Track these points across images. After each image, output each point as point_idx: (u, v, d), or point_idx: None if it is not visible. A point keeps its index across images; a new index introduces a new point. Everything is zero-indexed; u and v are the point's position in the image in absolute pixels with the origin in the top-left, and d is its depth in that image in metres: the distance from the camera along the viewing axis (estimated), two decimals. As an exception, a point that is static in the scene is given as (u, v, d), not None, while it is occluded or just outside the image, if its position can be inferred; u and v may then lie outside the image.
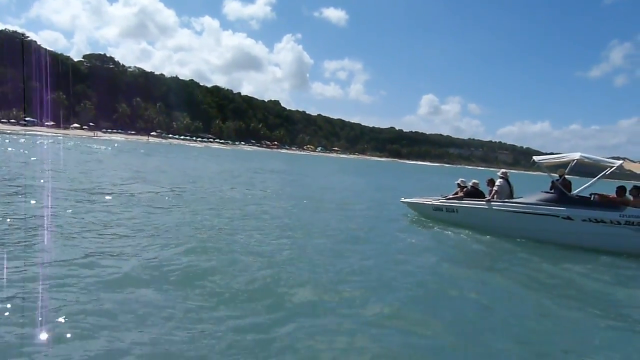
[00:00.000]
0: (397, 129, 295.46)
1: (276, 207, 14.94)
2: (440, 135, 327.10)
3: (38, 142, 50.42)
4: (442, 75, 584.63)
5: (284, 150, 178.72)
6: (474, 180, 14.03)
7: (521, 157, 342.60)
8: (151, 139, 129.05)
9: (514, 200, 12.72)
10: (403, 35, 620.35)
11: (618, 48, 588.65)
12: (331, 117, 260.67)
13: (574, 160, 12.28)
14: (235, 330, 5.17)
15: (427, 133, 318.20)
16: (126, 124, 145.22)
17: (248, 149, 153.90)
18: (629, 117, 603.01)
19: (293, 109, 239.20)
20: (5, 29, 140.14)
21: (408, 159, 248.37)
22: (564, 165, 12.69)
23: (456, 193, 14.17)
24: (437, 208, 13.91)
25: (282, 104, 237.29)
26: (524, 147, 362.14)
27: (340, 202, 18.03)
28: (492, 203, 12.69)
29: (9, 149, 34.15)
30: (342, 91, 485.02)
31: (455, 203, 13.52)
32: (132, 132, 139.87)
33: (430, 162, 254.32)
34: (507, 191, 13.09)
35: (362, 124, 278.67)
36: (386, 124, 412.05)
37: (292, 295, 6.37)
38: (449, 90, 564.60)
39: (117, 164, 28.73)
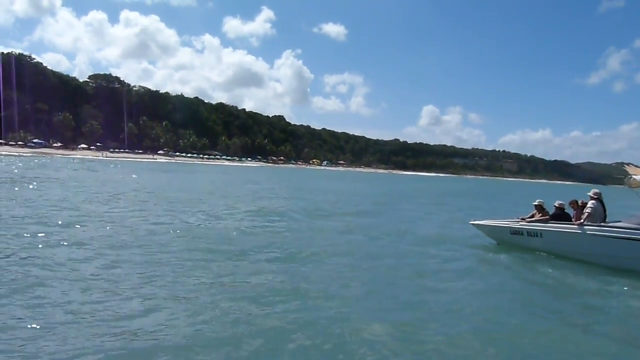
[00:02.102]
0: (401, 140, 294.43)
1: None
2: (444, 145, 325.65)
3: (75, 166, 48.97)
4: (442, 85, 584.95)
5: (290, 165, 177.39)
6: (558, 202, 12.23)
7: (525, 165, 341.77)
8: (158, 158, 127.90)
9: (612, 224, 11.06)
10: (402, 47, 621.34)
11: (615, 55, 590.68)
12: (335, 130, 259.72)
13: None
14: None
15: (431, 144, 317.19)
16: (133, 143, 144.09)
17: (254, 165, 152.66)
18: (630, 122, 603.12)
19: (297, 124, 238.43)
20: (11, 52, 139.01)
21: (414, 170, 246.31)
22: None
23: (532, 215, 12.55)
24: (516, 231, 12.28)
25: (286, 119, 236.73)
26: (528, 155, 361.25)
27: (399, 230, 16.44)
28: (586, 227, 10.99)
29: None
30: (342, 105, 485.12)
31: (540, 226, 11.83)
32: (139, 151, 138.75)
33: (436, 172, 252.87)
34: (600, 214, 11.42)
35: (367, 137, 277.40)
36: (388, 136, 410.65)
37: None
38: (449, 100, 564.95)
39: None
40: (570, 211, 12.28)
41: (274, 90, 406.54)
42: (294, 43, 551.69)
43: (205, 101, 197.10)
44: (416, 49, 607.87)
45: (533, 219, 12.36)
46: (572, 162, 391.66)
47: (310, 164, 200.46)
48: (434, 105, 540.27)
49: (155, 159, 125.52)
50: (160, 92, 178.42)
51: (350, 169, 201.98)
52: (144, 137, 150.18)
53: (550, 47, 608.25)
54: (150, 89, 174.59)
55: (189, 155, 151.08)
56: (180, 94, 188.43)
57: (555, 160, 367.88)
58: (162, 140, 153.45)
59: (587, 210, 11.39)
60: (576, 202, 12.20)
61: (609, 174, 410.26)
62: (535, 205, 12.70)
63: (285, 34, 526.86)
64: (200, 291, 7.08)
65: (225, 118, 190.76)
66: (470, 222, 13.96)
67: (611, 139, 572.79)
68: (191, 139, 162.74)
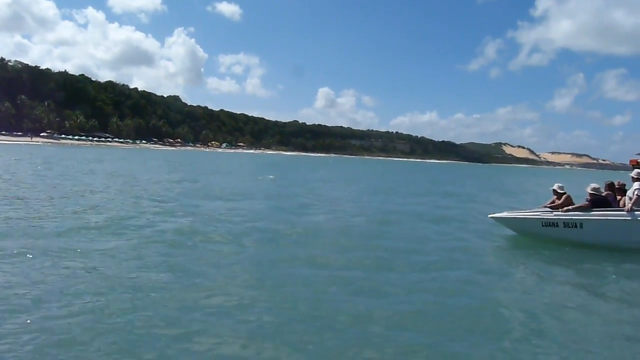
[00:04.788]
0: (300, 122, 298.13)
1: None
2: (341, 127, 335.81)
3: None
4: (336, 68, 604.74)
5: (188, 148, 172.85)
6: (593, 185, 10.90)
7: (416, 145, 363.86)
8: (40, 141, 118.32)
9: None
10: (298, 29, 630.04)
11: (491, 44, 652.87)
12: (234, 112, 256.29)
13: None
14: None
15: (329, 125, 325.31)
16: (10, 124, 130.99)
17: (152, 147, 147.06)
18: (505, 105, 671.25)
19: (194, 105, 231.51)
20: None
21: (313, 151, 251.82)
22: None
23: (553, 202, 11.38)
24: (549, 222, 10.92)
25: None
26: (419, 136, 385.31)
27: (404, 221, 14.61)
28: (637, 213, 10.14)
29: None
30: (238, 86, 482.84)
31: (580, 215, 10.59)
32: (19, 133, 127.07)
33: (335, 153, 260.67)
34: None
35: (266, 118, 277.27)
36: (285, 117, 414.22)
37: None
38: (344, 83, 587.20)
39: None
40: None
41: (165, 70, 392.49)
42: (186, 21, 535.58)
43: (93, 79, 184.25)
44: (312, 31, 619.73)
45: (555, 205, 11.20)
46: (457, 142, 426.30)
47: (209, 146, 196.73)
48: (329, 87, 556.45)
49: (38, 142, 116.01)
50: (40, 68, 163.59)
51: (251, 151, 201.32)
52: (24, 117, 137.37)
53: (435, 34, 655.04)
54: (28, 65, 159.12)
55: (76, 137, 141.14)
56: (65, 70, 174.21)
57: (443, 141, 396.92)
58: (45, 122, 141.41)
59: (636, 193, 10.32)
60: (613, 184, 11.34)
61: (490, 153, 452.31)
62: (553, 189, 11.59)
63: (177, 10, 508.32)
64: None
65: (115, 98, 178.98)
66: (490, 216, 12.23)
67: (489, 121, 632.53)
68: (78, 120, 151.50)
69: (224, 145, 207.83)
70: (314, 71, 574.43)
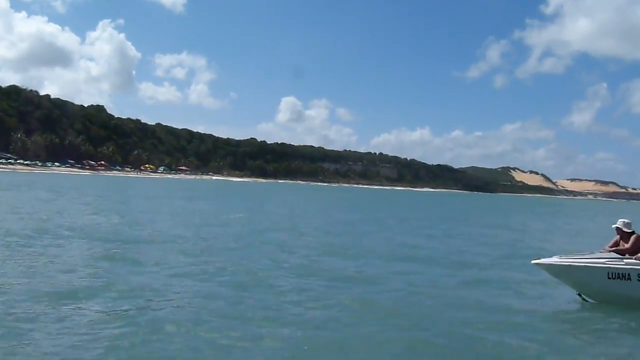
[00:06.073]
0: (258, 140, 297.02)
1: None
2: (311, 147, 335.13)
3: None
4: (305, 72, 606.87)
5: (114, 173, 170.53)
6: None
7: (405, 170, 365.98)
8: None
9: None
10: (257, 25, 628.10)
11: (494, 46, 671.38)
12: (174, 127, 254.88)
13: None
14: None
15: (295, 145, 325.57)
16: None
17: (67, 172, 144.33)
18: (513, 121, 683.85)
19: (123, 117, 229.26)
20: None
21: (275, 177, 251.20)
22: None
23: (616, 243, 10.99)
24: (618, 274, 10.33)
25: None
26: (408, 158, 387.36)
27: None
28: None
29: None
30: (180, 94, 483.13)
31: None
32: None
33: (303, 180, 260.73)
34: None
35: (215, 135, 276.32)
36: (240, 134, 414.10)
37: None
38: (314, 91, 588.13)
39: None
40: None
41: (86, 72, 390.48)
42: (114, 11, 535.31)
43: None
44: (274, 29, 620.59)
45: (622, 249, 10.73)
46: (456, 166, 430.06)
47: (142, 170, 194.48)
48: (295, 97, 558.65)
49: None
50: None
51: (195, 177, 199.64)
52: None
53: (428, 34, 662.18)
54: None
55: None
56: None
57: (439, 165, 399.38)
58: None
59: None
60: None
61: (496, 180, 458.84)
62: (616, 227, 11.07)
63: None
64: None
65: (20, 107, 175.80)
66: (534, 261, 11.63)
67: (494, 140, 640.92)
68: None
69: (162, 169, 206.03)
70: (276, 76, 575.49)
